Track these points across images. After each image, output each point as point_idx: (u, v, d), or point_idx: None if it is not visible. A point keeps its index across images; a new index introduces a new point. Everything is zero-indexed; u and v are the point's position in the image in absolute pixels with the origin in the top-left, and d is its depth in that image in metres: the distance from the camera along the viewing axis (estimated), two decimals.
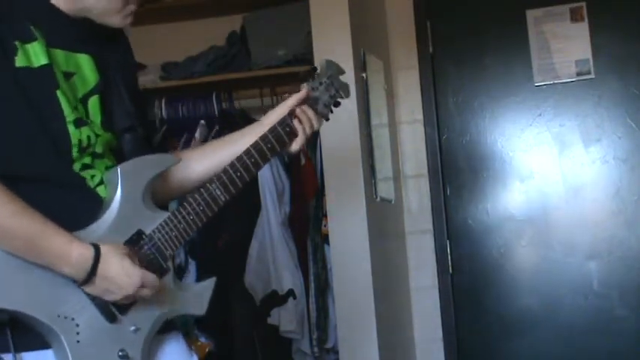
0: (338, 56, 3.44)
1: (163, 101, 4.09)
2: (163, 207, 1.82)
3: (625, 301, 3.90)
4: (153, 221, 1.73)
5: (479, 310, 4.04)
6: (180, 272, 3.74)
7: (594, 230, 3.95)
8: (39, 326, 1.59)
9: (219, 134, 3.94)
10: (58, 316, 1.59)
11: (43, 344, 1.61)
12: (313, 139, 3.72)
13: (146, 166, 1.75)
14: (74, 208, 1.67)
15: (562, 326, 3.93)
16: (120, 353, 1.65)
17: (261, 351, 3.68)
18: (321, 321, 3.75)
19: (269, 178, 3.82)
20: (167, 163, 1.81)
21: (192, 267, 3.85)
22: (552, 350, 3.94)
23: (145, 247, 1.70)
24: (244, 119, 3.94)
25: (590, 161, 3.97)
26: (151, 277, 1.66)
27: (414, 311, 4.06)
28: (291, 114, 1.93)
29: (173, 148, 3.82)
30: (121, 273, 1.61)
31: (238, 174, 1.83)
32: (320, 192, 3.73)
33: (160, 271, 1.71)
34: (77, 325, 1.61)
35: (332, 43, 3.46)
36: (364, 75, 3.60)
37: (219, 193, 1.80)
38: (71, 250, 1.58)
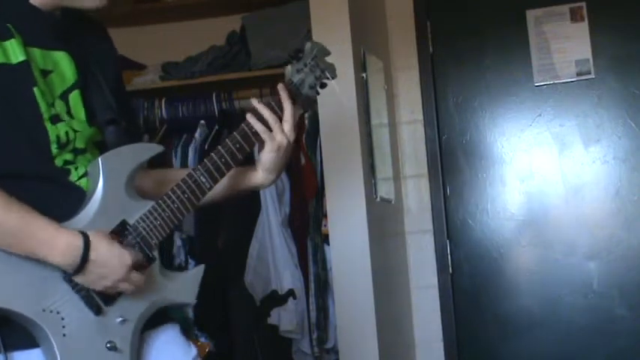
0: (338, 56, 3.45)
1: (163, 101, 4.09)
2: None
3: (625, 300, 3.89)
4: (137, 211, 1.71)
5: (479, 310, 4.04)
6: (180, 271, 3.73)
7: (594, 230, 3.95)
8: (24, 322, 1.58)
9: (219, 134, 3.95)
10: (43, 311, 1.58)
11: (32, 344, 1.60)
12: (313, 134, 3.72)
13: (128, 155, 1.73)
14: (56, 201, 1.66)
15: (562, 326, 3.93)
16: (108, 345, 1.64)
17: (261, 351, 3.68)
18: (321, 321, 3.75)
19: None
20: (150, 151, 1.78)
21: (191, 267, 3.85)
22: (552, 350, 3.94)
23: (130, 237, 1.68)
24: (244, 119, 3.94)
25: (590, 161, 3.97)
26: (140, 256, 1.66)
27: (414, 311, 4.06)
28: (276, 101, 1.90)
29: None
30: (111, 255, 1.60)
31: (223, 160, 1.81)
32: (320, 192, 3.73)
33: (147, 261, 1.69)
34: (63, 319, 1.60)
35: (332, 43, 3.45)
36: (364, 75, 3.60)
37: (204, 180, 1.78)
38: (59, 240, 1.58)
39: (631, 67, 3.95)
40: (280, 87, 1.91)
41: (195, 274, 1.80)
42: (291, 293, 3.66)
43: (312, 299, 3.76)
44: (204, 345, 3.36)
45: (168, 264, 3.79)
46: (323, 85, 1.98)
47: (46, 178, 1.67)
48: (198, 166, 1.79)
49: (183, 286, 1.78)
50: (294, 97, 1.92)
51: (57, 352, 1.58)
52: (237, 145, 1.83)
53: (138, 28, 4.22)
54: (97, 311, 1.63)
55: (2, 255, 1.56)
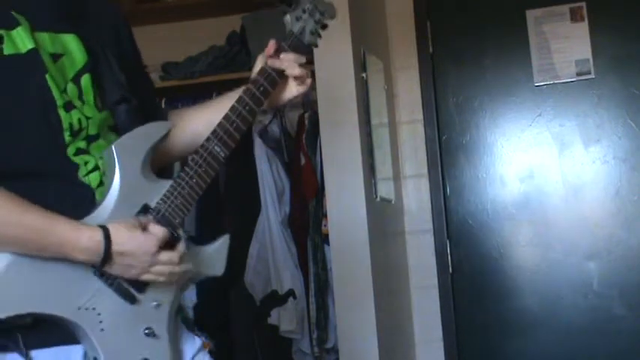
0: (338, 56, 3.46)
1: (163, 101, 4.09)
2: (165, 171, 1.79)
3: (625, 300, 3.90)
4: (157, 193, 1.69)
5: (479, 310, 4.04)
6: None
7: (594, 230, 3.95)
8: (61, 322, 1.58)
9: None
10: (79, 309, 1.58)
11: (49, 342, 1.60)
12: (313, 134, 3.72)
13: (140, 138, 1.71)
14: (63, 199, 1.64)
15: (562, 326, 3.93)
16: (146, 331, 1.64)
17: (261, 351, 3.69)
18: (321, 321, 3.75)
19: (269, 178, 3.82)
20: (161, 131, 1.75)
21: None
22: (552, 350, 3.94)
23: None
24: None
25: (590, 161, 3.97)
26: (161, 232, 1.63)
27: (414, 311, 4.06)
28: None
29: None
30: (134, 244, 1.60)
31: (234, 125, 1.77)
32: (320, 192, 3.74)
33: (173, 241, 1.67)
34: (99, 314, 1.60)
35: (332, 43, 3.46)
36: (364, 75, 3.60)
37: (218, 149, 1.75)
38: (81, 236, 1.56)
39: (631, 67, 3.95)
40: (283, 54, 1.86)
41: (220, 244, 1.79)
42: (291, 293, 3.66)
43: (312, 299, 3.76)
44: (205, 345, 3.36)
45: None
46: (324, 27, 1.91)
47: (56, 174, 1.64)
48: (210, 136, 1.75)
49: (211, 258, 1.78)
50: (298, 50, 1.88)
51: (98, 348, 1.58)
52: (247, 108, 1.80)
53: (138, 28, 4.18)
54: (132, 300, 1.64)
55: (31, 259, 1.56)
